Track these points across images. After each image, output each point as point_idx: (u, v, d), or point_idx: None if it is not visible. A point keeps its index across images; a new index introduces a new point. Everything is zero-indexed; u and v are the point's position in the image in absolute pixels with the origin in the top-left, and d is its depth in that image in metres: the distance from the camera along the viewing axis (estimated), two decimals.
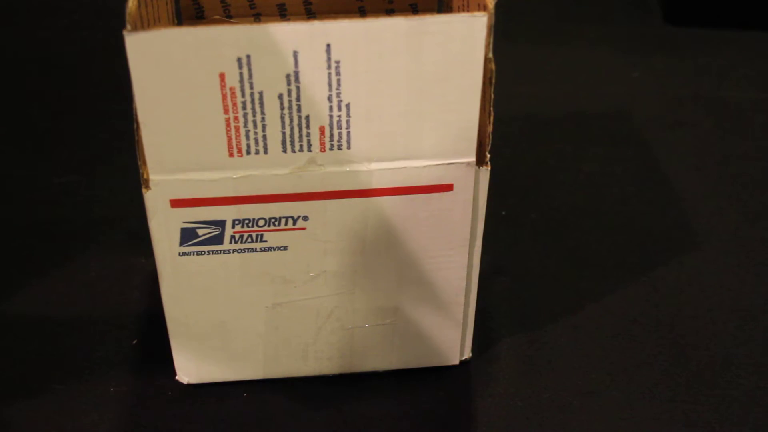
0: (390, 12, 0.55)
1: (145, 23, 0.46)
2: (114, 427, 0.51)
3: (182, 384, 0.53)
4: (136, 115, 0.43)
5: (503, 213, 0.66)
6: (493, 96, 0.45)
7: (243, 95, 0.43)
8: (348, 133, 0.44)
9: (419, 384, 0.54)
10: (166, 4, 0.52)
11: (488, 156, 0.47)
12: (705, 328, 0.58)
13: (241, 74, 0.42)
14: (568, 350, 0.56)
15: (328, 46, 0.42)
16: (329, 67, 0.42)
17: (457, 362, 0.55)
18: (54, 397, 0.53)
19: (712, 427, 0.52)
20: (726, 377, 0.55)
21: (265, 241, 0.48)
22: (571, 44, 0.84)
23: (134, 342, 0.56)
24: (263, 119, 0.44)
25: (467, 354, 0.55)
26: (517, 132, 0.73)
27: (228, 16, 0.55)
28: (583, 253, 0.63)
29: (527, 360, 0.56)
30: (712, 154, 0.72)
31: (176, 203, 0.46)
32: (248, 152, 0.44)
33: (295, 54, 0.42)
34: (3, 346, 0.56)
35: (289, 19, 0.55)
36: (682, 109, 0.76)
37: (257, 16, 0.55)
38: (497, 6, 0.44)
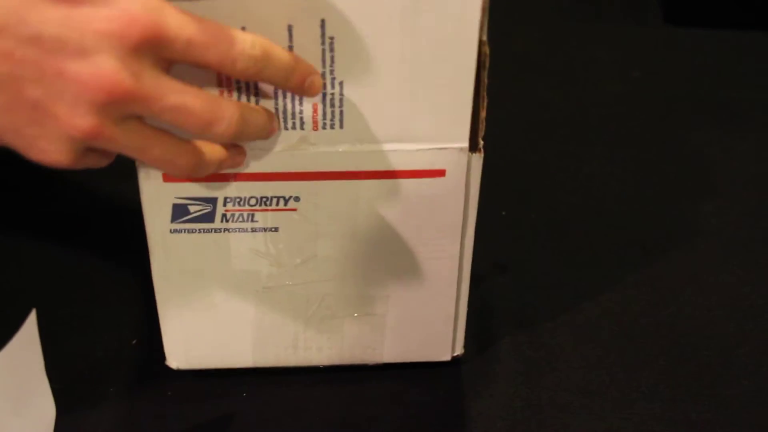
0: None
1: None
2: (114, 427, 0.51)
3: (182, 384, 0.53)
4: None
5: (503, 213, 0.65)
6: (486, 81, 0.45)
7: None
8: (341, 112, 0.44)
9: (419, 384, 0.54)
10: None
11: (482, 143, 0.46)
12: (705, 328, 0.58)
13: None
14: (568, 350, 0.56)
15: (323, 21, 0.41)
16: (323, 43, 0.42)
17: (448, 358, 0.54)
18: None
19: (712, 427, 0.52)
20: (726, 377, 0.55)
21: (256, 221, 0.48)
22: (571, 44, 0.84)
23: (134, 342, 0.56)
24: (256, 93, 0.43)
25: (459, 350, 0.54)
26: (517, 132, 0.73)
27: None
28: (583, 253, 0.63)
29: (527, 360, 0.56)
30: (713, 154, 0.72)
31: (169, 177, 0.46)
32: None
33: (290, 28, 0.41)
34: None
35: None
36: (682, 109, 0.76)
37: None
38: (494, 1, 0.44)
